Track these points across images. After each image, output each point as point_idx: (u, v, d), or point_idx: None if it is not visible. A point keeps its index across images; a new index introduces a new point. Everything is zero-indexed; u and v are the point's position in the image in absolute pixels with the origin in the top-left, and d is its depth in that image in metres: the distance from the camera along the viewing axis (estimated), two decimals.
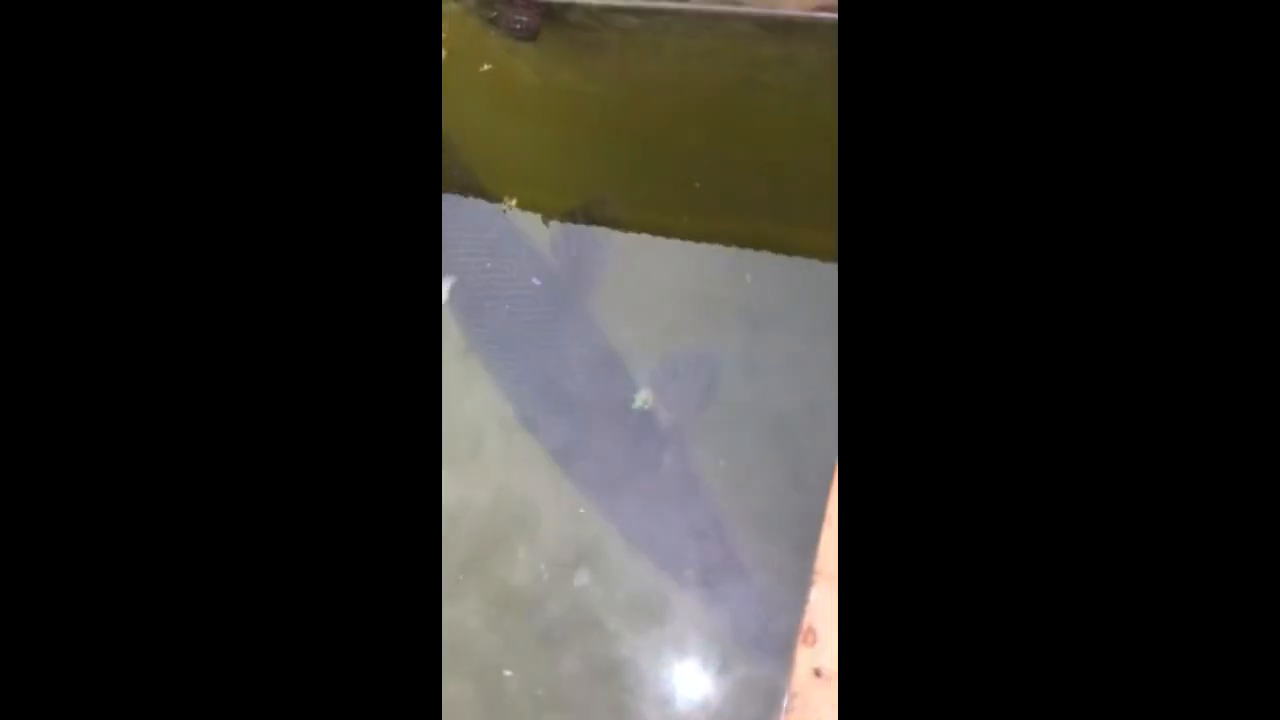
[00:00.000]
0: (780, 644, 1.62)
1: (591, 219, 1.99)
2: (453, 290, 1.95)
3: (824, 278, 1.87)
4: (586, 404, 1.86)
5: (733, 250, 1.92)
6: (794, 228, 1.93)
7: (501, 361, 1.92)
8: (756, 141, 1.97)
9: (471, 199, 2.03)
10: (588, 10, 1.98)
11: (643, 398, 1.85)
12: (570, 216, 1.99)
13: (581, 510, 1.80)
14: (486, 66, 2.09)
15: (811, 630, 1.30)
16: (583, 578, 1.76)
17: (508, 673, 1.72)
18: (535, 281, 1.95)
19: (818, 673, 1.28)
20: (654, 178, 2.03)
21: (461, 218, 2.00)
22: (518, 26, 1.93)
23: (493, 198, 2.02)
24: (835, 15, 1.78)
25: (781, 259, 1.91)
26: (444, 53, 2.10)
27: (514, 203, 2.01)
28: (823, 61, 1.87)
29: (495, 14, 1.97)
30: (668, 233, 1.96)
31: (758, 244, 1.92)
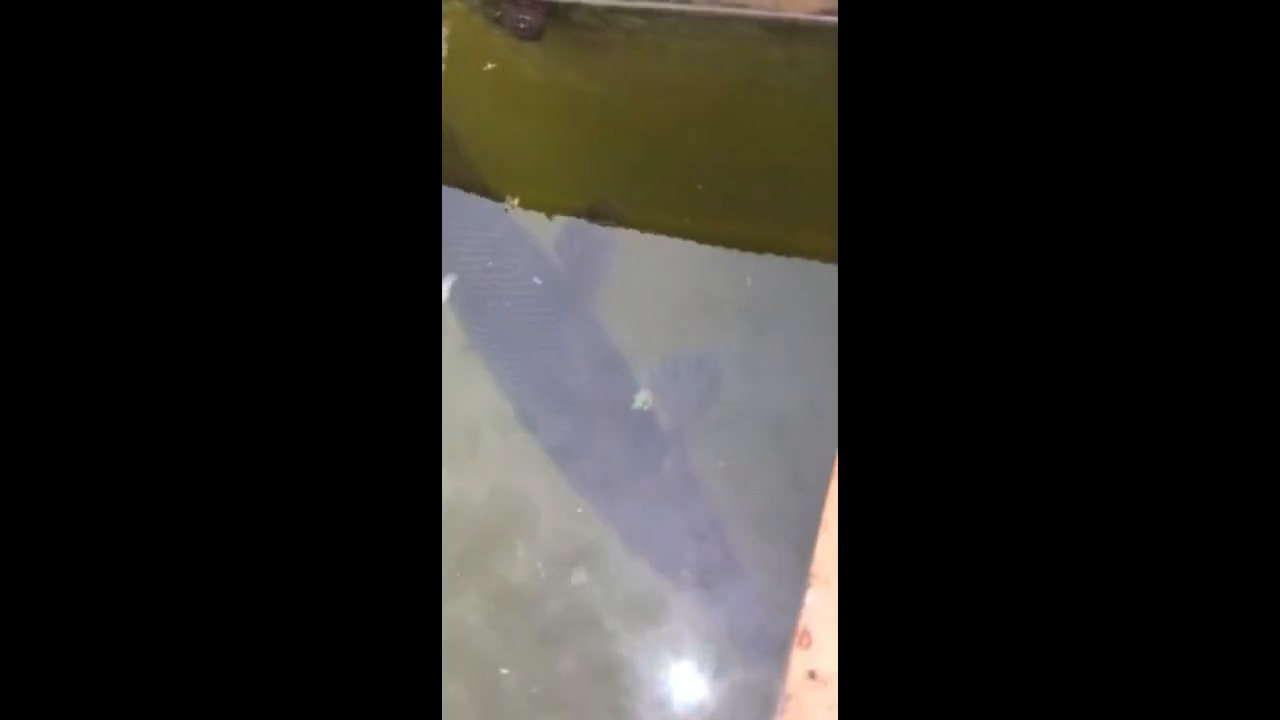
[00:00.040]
0: (777, 645, 1.63)
1: (596, 219, 1.99)
2: (454, 288, 1.95)
3: (825, 279, 1.88)
4: (587, 403, 1.87)
5: (734, 252, 1.93)
6: (796, 230, 1.93)
7: (502, 360, 1.92)
8: (760, 144, 1.97)
9: (474, 197, 2.03)
10: (592, 10, 1.98)
11: (643, 398, 1.85)
12: (575, 215, 2.00)
13: (579, 510, 1.80)
14: (490, 65, 2.09)
15: (807, 633, 1.30)
16: (580, 576, 1.76)
17: (504, 671, 1.72)
18: (537, 281, 1.95)
19: (812, 675, 1.28)
20: (657, 178, 2.03)
21: (464, 216, 2.01)
22: (522, 26, 1.94)
23: (495, 196, 2.02)
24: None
25: (782, 261, 1.91)
26: (448, 51, 2.10)
27: (516, 202, 2.01)
28: (826, 64, 1.87)
29: (500, 13, 1.97)
30: (670, 233, 1.96)
31: (760, 246, 1.92)
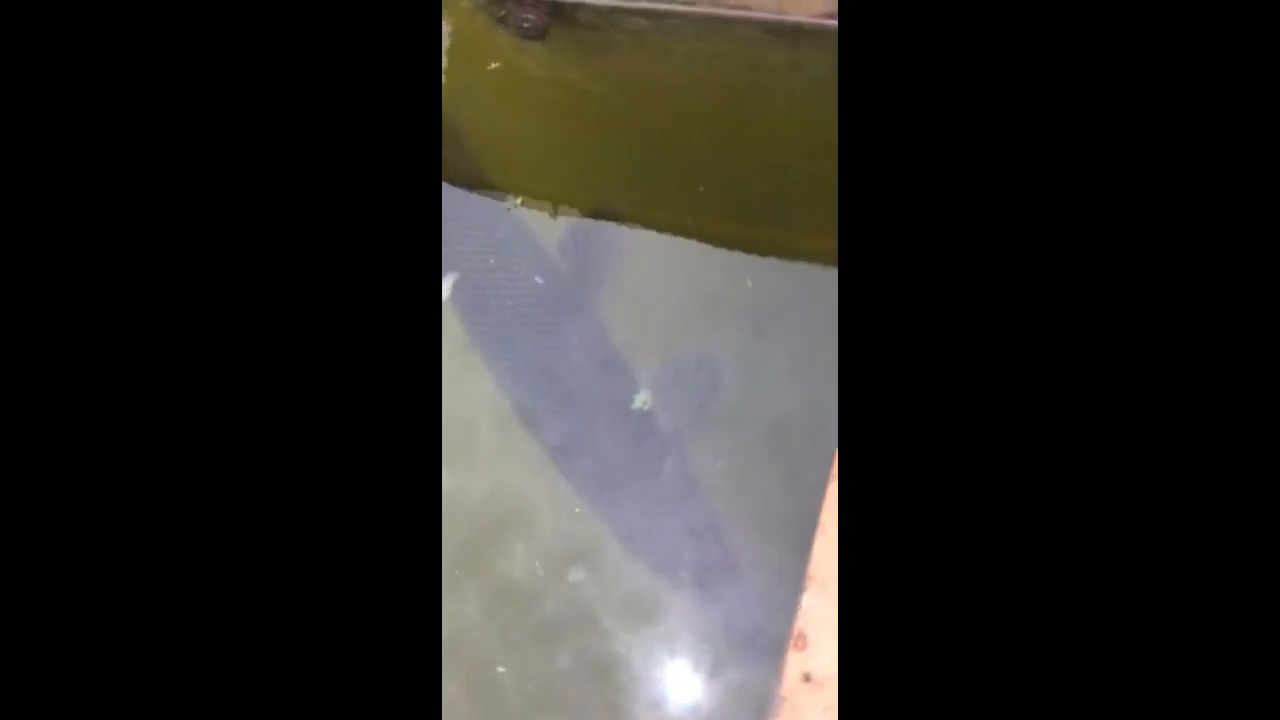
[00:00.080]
0: (773, 646, 1.64)
1: (598, 217, 2.00)
2: (455, 286, 1.96)
3: (825, 281, 1.88)
4: (586, 403, 1.87)
5: (735, 253, 1.93)
6: (797, 233, 1.94)
7: (502, 358, 1.93)
8: (762, 146, 1.98)
9: (477, 196, 2.04)
10: (597, 10, 1.98)
11: (642, 398, 1.86)
12: (577, 213, 2.00)
13: (577, 510, 1.81)
14: (495, 64, 2.09)
15: (803, 635, 1.31)
16: (578, 575, 1.77)
17: (501, 669, 1.73)
18: (538, 280, 1.96)
19: (808, 678, 1.29)
20: (658, 179, 2.03)
21: (467, 215, 2.01)
22: (526, 25, 1.94)
23: (499, 194, 2.03)
24: None
25: (783, 262, 1.92)
26: (453, 49, 2.11)
27: (519, 201, 2.01)
28: (829, 68, 1.87)
29: (504, 12, 1.98)
30: (671, 233, 1.97)
31: (760, 248, 1.92)
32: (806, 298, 1.87)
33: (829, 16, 1.82)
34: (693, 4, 1.90)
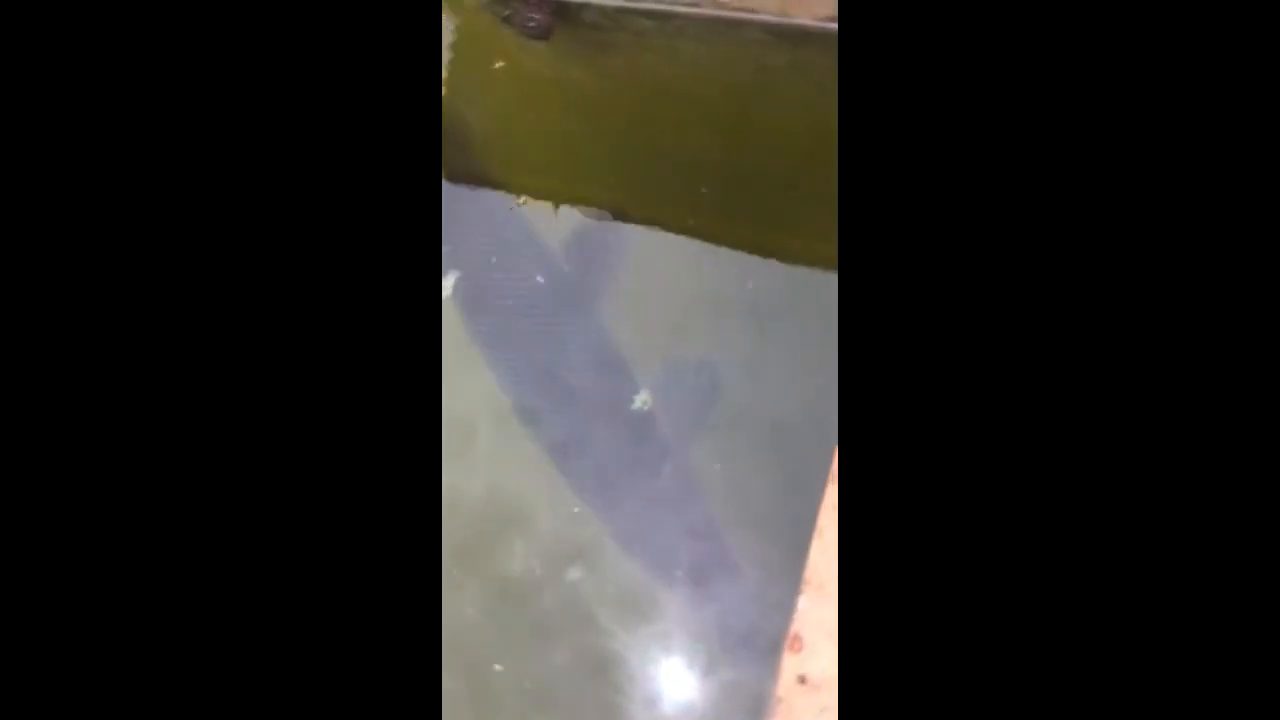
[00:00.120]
0: (769, 646, 1.64)
1: (603, 217, 2.00)
2: (456, 285, 1.97)
3: (826, 283, 1.89)
4: (587, 402, 1.88)
5: (736, 256, 1.93)
6: (799, 236, 1.94)
7: (503, 356, 1.93)
8: (765, 149, 1.98)
9: (481, 196, 2.04)
10: (603, 11, 1.98)
11: (642, 399, 1.86)
12: (580, 212, 2.01)
13: (576, 509, 1.81)
14: (500, 63, 2.10)
15: (798, 638, 1.31)
16: (576, 573, 1.78)
17: (498, 667, 1.74)
18: (540, 280, 1.96)
19: (803, 680, 1.29)
20: (661, 179, 2.04)
21: (471, 214, 2.02)
22: (531, 25, 1.94)
23: (502, 194, 2.03)
24: None
25: (784, 264, 1.92)
26: (458, 48, 2.11)
27: (521, 200, 2.02)
28: (833, 71, 1.87)
29: (509, 12, 1.98)
30: (673, 232, 1.97)
31: (762, 250, 1.93)
32: (807, 300, 1.87)
33: (832, 20, 1.82)
34: (697, 5, 1.91)
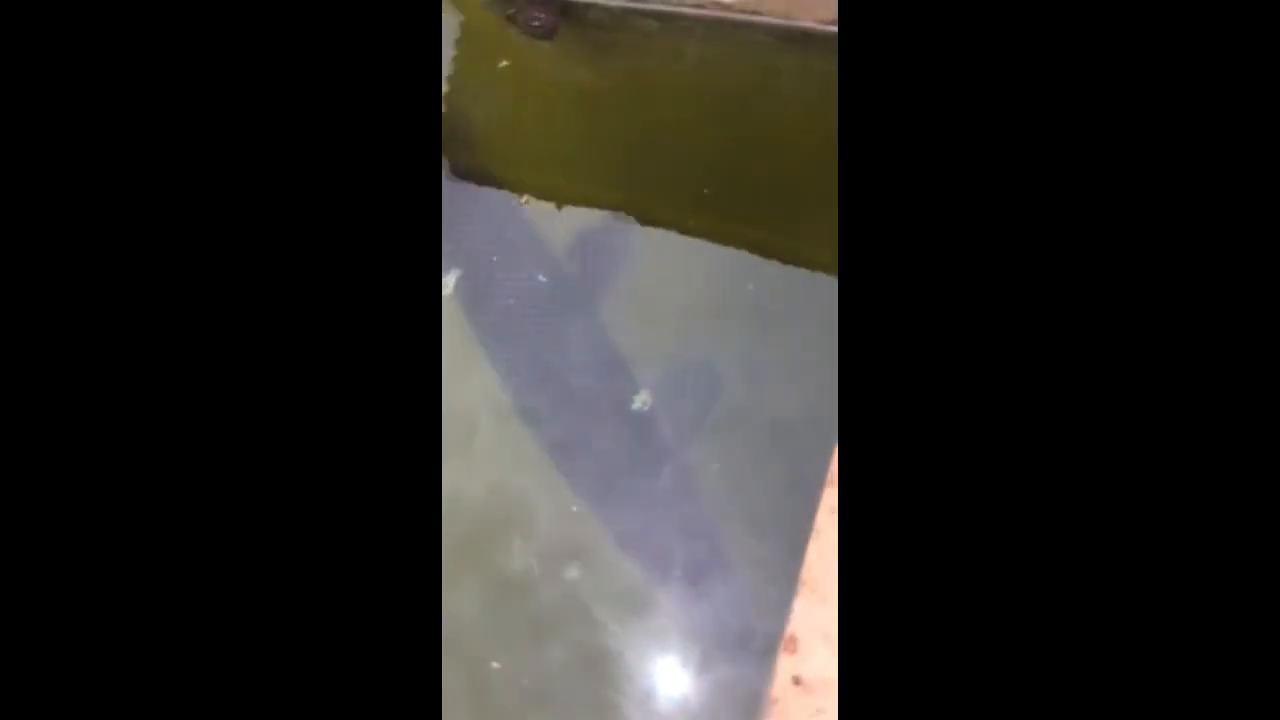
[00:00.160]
0: (765, 645, 1.65)
1: (605, 217, 2.00)
2: (458, 282, 1.97)
3: (826, 285, 1.89)
4: (587, 401, 1.88)
5: (737, 257, 1.94)
6: (800, 238, 1.94)
7: (503, 355, 1.94)
8: (768, 151, 1.99)
9: (485, 194, 2.05)
10: (607, 11, 1.99)
11: (642, 398, 1.87)
12: (583, 210, 2.01)
13: (575, 508, 1.82)
14: (504, 62, 2.10)
15: (794, 639, 1.32)
16: (574, 571, 1.78)
17: (495, 665, 1.74)
18: (542, 279, 1.97)
19: (797, 681, 1.30)
20: (664, 180, 2.04)
21: (474, 212, 2.02)
22: (535, 24, 1.95)
23: (507, 193, 2.04)
24: None
25: (785, 266, 1.93)
26: (462, 46, 2.11)
27: (525, 199, 2.02)
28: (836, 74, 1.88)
29: (514, 11, 1.99)
30: (674, 233, 1.98)
31: (764, 252, 1.93)
32: (808, 301, 1.88)
33: (836, 23, 1.83)
34: (701, 6, 1.91)
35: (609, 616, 1.75)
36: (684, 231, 1.97)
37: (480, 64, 2.11)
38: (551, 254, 1.99)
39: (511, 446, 1.87)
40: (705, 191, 1.98)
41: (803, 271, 1.91)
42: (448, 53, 2.16)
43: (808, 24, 1.86)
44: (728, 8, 1.88)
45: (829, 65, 1.90)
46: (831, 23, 1.83)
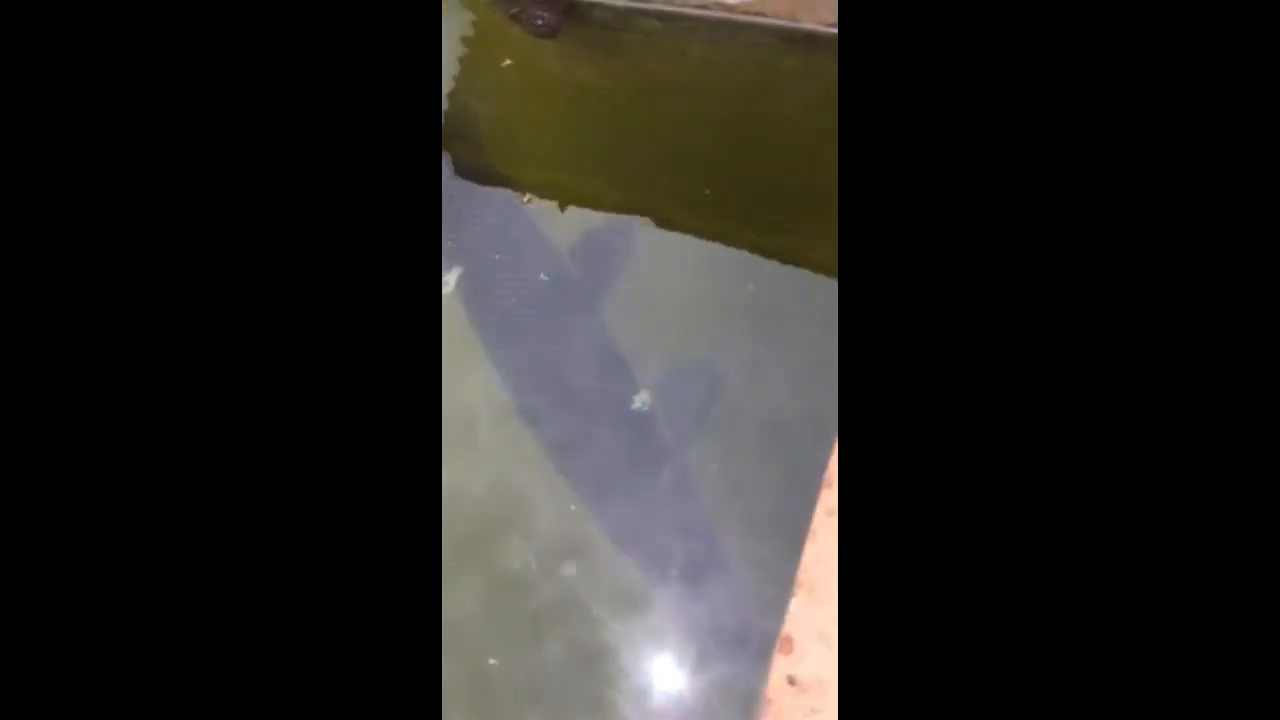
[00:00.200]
0: (760, 644, 1.65)
1: (608, 216, 2.01)
2: (460, 280, 1.97)
3: (826, 286, 1.89)
4: (587, 400, 1.89)
5: (738, 258, 1.94)
6: (801, 239, 1.95)
7: (504, 353, 1.94)
8: (770, 152, 1.99)
9: (487, 193, 2.05)
10: (612, 10, 1.99)
11: (642, 398, 1.87)
12: (585, 208, 2.01)
13: (573, 507, 1.82)
14: (508, 61, 2.10)
15: (789, 639, 1.32)
16: (571, 569, 1.79)
17: (492, 661, 1.75)
18: (543, 277, 1.97)
19: (792, 681, 1.31)
20: (666, 179, 2.04)
21: (476, 211, 2.02)
22: (539, 23, 1.95)
23: (510, 191, 2.04)
24: None
25: (786, 267, 1.93)
26: (467, 44, 2.12)
27: (526, 199, 2.03)
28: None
29: (518, 10, 1.99)
30: (675, 233, 1.98)
31: (764, 252, 1.94)
32: (808, 302, 1.88)
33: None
34: (705, 7, 1.91)
35: (607, 614, 1.75)
36: (685, 231, 1.97)
37: (484, 62, 2.11)
38: (553, 253, 1.99)
39: (511, 445, 1.87)
40: (707, 192, 1.98)
41: (803, 272, 1.92)
42: (452, 51, 2.17)
43: (811, 26, 1.86)
44: (731, 9, 1.89)
45: (831, 67, 1.90)
46: (834, 25, 1.83)
